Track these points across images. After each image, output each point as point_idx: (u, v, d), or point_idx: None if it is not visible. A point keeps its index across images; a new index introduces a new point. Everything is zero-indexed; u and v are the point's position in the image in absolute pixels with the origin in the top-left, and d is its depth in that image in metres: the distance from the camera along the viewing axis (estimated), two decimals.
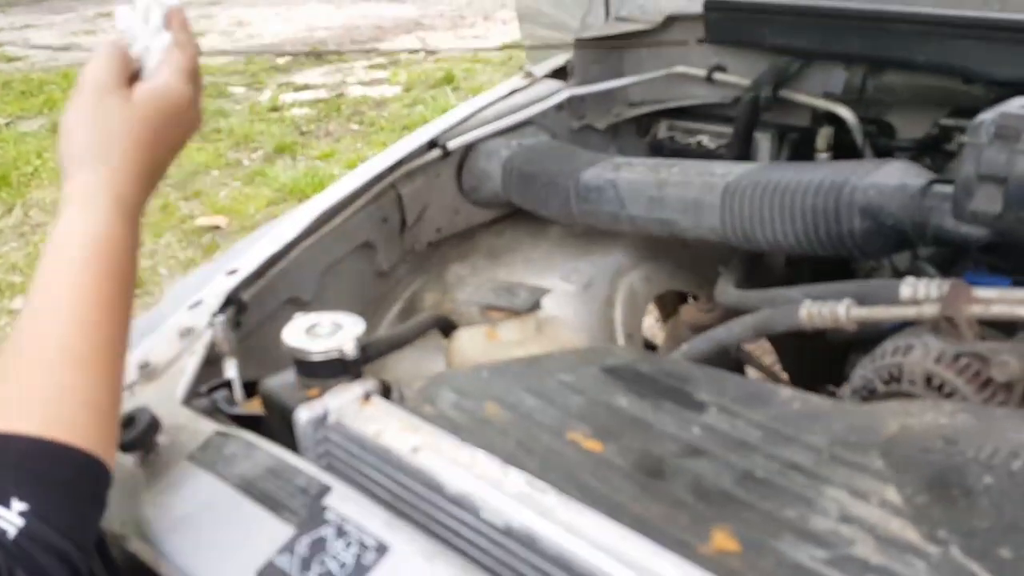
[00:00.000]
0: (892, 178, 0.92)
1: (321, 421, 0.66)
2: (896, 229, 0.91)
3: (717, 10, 1.30)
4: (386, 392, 0.70)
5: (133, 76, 0.70)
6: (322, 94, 5.63)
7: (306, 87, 5.82)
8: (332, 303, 1.22)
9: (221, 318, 0.90)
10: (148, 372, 0.85)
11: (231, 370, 0.85)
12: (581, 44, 1.45)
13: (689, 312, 1.23)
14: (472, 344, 0.81)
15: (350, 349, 0.69)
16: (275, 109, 5.32)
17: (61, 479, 0.51)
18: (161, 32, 0.72)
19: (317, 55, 6.54)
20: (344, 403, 0.67)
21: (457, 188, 1.39)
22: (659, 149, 1.56)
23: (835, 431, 0.64)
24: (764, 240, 1.02)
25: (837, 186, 0.95)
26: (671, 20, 1.40)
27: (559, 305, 1.28)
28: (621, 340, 1.25)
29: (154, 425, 0.64)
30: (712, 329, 0.93)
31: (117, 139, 0.65)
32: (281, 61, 6.49)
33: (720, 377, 0.72)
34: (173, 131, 0.69)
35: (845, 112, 1.22)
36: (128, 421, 0.65)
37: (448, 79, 5.64)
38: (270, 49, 6.84)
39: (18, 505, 0.48)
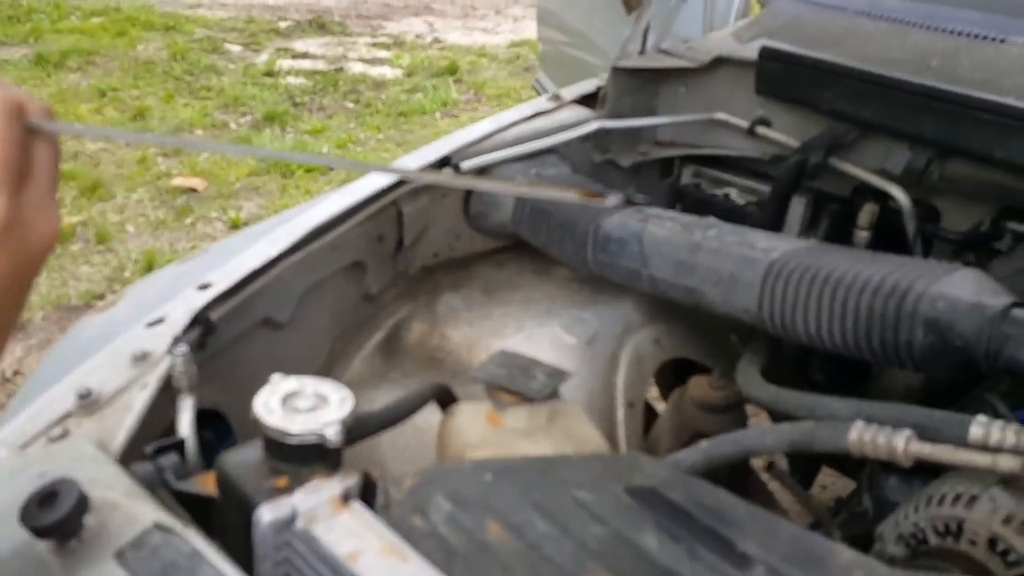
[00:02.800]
0: (965, 291, 0.81)
1: (286, 525, 0.54)
2: (963, 351, 0.80)
3: (774, 60, 1.19)
4: (369, 490, 0.58)
5: None
6: (320, 65, 5.44)
7: (305, 55, 5.63)
8: (309, 326, 1.10)
9: (183, 349, 0.77)
10: (89, 403, 0.72)
11: (186, 420, 0.72)
12: (618, 73, 1.33)
13: (699, 388, 1.11)
14: (471, 428, 0.69)
15: (333, 434, 0.57)
16: (270, 74, 5.13)
17: None
18: None
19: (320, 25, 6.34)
20: (316, 504, 0.54)
21: (462, 211, 1.27)
22: (681, 195, 1.45)
23: None
24: (805, 334, 0.90)
25: (900, 290, 0.84)
26: (719, 62, 1.29)
27: (557, 359, 1.16)
28: (621, 408, 1.14)
29: (81, 506, 0.51)
30: (739, 432, 0.82)
31: None
32: (282, 25, 6.29)
33: (768, 523, 0.61)
34: None
35: (899, 194, 1.12)
36: (48, 496, 0.51)
37: (452, 69, 5.49)
38: (272, 10, 6.63)
39: None
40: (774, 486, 1.19)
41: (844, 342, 0.88)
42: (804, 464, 1.42)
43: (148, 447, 0.62)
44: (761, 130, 1.26)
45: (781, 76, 1.20)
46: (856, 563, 0.58)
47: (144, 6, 6.28)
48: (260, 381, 0.88)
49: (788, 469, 1.06)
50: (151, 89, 4.74)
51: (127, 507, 0.54)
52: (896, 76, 1.08)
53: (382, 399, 1.15)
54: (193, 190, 3.70)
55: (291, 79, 5.12)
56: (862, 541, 0.90)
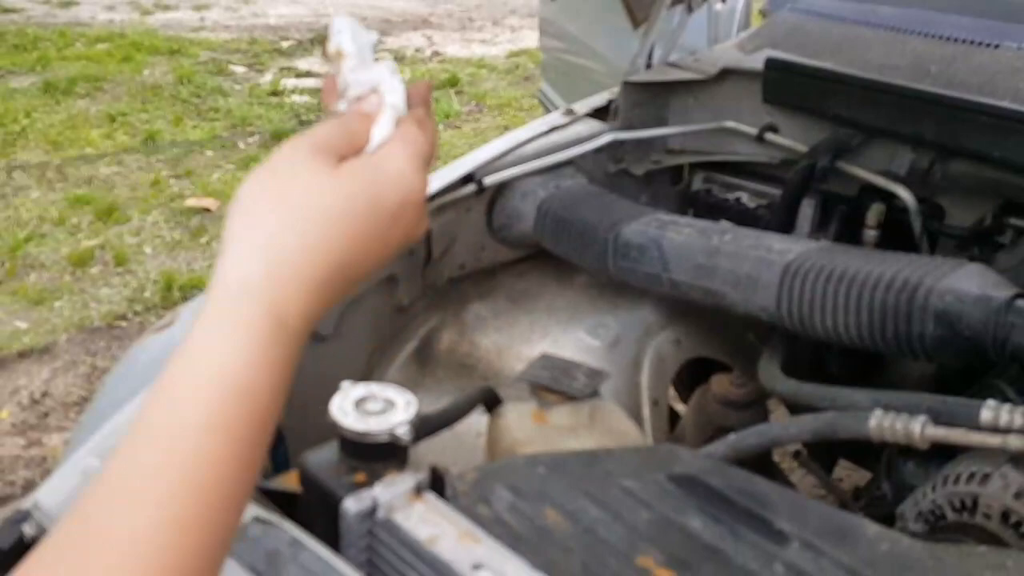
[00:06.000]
0: (972, 285, 0.87)
1: (369, 515, 0.60)
2: (971, 341, 0.86)
3: (779, 70, 1.25)
4: (438, 483, 0.63)
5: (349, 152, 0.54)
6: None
7: (308, 74, 5.70)
8: (349, 339, 1.16)
9: None
10: None
11: None
12: (629, 87, 1.39)
13: (722, 385, 1.17)
14: (519, 426, 0.75)
15: (403, 433, 0.63)
16: (275, 93, 5.20)
17: None
18: (389, 88, 0.56)
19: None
20: (394, 496, 0.60)
21: (486, 224, 1.33)
22: (693, 201, 1.51)
23: None
24: (823, 330, 0.96)
25: (911, 286, 0.90)
26: (726, 73, 1.35)
27: (582, 362, 1.22)
28: (646, 406, 1.20)
29: None
30: (765, 425, 0.88)
31: (300, 225, 0.49)
32: (285, 44, 6.37)
33: (799, 503, 0.66)
34: (386, 231, 0.51)
35: (905, 194, 1.18)
36: None
37: (452, 82, 5.56)
38: (273, 31, 6.72)
39: None
40: (796, 477, 1.25)
41: (860, 336, 0.93)
42: (822, 457, 1.47)
43: None
44: (770, 136, 1.32)
45: (786, 85, 1.26)
46: (882, 536, 0.63)
47: (148, 31, 6.36)
48: (309, 392, 0.94)
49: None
50: (160, 112, 4.81)
51: None
52: (897, 83, 1.14)
53: (420, 405, 1.21)
54: (207, 210, 3.77)
55: (296, 97, 5.19)
56: (883, 523, 0.96)
